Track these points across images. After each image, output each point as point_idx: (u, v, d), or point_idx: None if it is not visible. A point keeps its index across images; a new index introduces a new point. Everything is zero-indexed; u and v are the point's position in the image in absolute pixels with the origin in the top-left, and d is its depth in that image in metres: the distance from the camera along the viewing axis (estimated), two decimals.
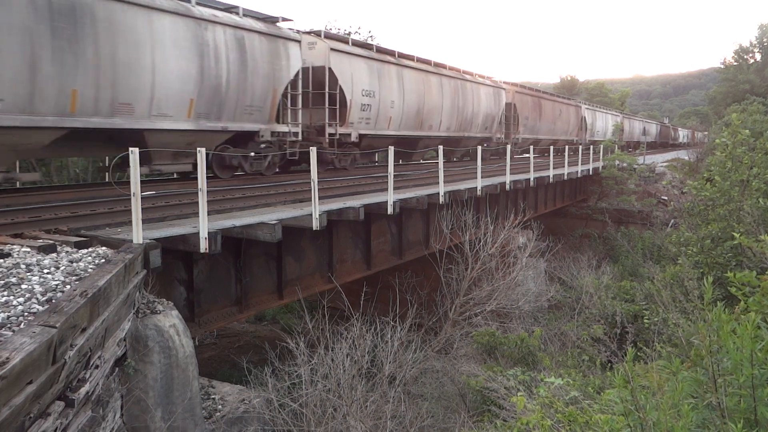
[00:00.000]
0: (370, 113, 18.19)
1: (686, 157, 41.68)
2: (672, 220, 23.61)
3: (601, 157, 29.01)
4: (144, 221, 6.98)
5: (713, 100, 66.56)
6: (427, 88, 21.52)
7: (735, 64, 61.79)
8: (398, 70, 19.85)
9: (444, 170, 13.85)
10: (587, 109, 42.47)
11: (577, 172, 25.00)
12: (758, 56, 60.35)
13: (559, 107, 36.79)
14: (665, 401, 2.68)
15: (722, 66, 65.52)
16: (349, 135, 17.44)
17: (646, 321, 9.79)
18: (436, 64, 22.91)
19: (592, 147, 28.45)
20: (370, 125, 18.33)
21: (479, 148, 17.29)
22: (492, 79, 28.60)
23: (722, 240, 9.65)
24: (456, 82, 23.88)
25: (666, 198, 27.73)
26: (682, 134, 79.67)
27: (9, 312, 4.43)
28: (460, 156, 27.70)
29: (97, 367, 4.96)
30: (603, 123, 45.90)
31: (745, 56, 61.24)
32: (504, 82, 30.03)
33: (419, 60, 21.87)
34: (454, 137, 24.45)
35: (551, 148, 25.53)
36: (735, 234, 6.99)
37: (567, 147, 24.65)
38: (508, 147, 19.37)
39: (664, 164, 36.84)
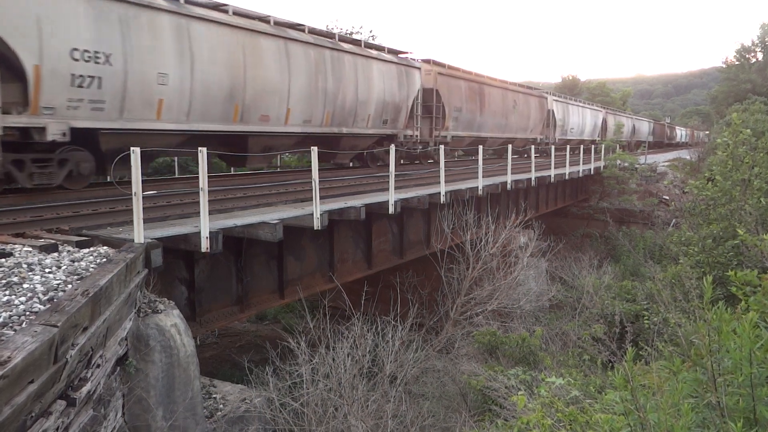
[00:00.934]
0: (102, 91, 10.58)
1: (688, 157, 41.53)
2: (673, 220, 23.60)
3: (602, 157, 29.00)
4: (145, 221, 7.00)
5: (715, 99, 66.41)
6: (252, 56, 13.45)
7: (737, 63, 61.68)
8: (179, 24, 11.95)
9: (445, 170, 13.85)
10: (556, 101, 34.62)
11: (578, 171, 24.99)
12: (760, 55, 60.25)
13: (514, 97, 28.69)
14: (665, 401, 2.68)
15: (724, 65, 65.39)
16: (43, 129, 9.75)
17: (645, 321, 9.79)
18: (279, 23, 14.88)
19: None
20: (104, 112, 10.73)
21: (481, 148, 17.23)
22: (396, 52, 20.09)
23: (723, 239, 9.64)
24: (321, 53, 15.67)
25: (667, 198, 27.73)
26: (680, 133, 75.32)
27: (11, 311, 4.44)
28: (347, 161, 19.58)
29: (98, 366, 4.98)
30: (579, 119, 38.42)
31: (747, 55, 61.14)
32: (421, 60, 22.30)
33: (238, 13, 13.67)
34: (322, 135, 16.24)
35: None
36: (738, 231, 6.99)
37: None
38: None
39: (666, 164, 36.78)
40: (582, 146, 28.52)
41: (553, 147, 23.26)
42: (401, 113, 19.86)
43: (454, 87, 23.30)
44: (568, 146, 25.47)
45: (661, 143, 63.73)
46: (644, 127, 57.60)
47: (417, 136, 21.02)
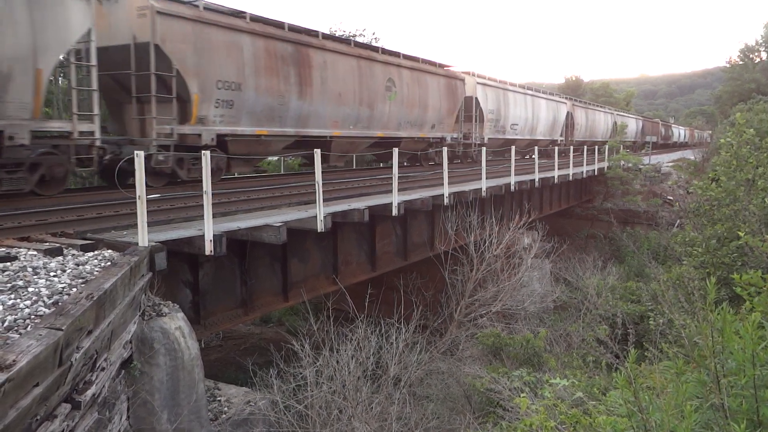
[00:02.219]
0: None
1: (692, 157, 41.37)
2: (678, 221, 23.54)
3: (606, 158, 28.96)
4: (149, 224, 7.02)
5: (719, 99, 66.28)
6: None
7: (741, 63, 61.62)
8: None
9: (449, 171, 13.85)
10: (482, 85, 25.11)
11: (582, 172, 24.96)
12: (764, 55, 60.24)
13: (389, 74, 18.72)
14: (668, 402, 2.68)
15: (728, 65, 65.34)
16: None
17: (650, 323, 9.76)
18: None
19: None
20: None
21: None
22: None
23: (728, 240, 9.60)
24: None
25: (671, 198, 27.67)
26: (678, 133, 69.57)
27: (16, 315, 4.46)
28: None
29: (103, 369, 4.99)
30: (527, 112, 29.45)
31: (751, 55, 61.08)
32: None
33: None
34: None
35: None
36: (740, 233, 6.96)
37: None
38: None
39: (670, 164, 36.68)
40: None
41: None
42: (11, 87, 9.34)
43: (214, 45, 12.76)
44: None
45: (654, 144, 52.38)
46: (631, 124, 49.41)
47: (88, 133, 10.59)
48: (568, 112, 35.50)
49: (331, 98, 16.41)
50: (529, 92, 30.70)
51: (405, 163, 21.71)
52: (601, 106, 46.29)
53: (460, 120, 23.61)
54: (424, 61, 21.49)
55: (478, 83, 24.80)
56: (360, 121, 17.78)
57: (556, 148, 24.32)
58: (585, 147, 26.74)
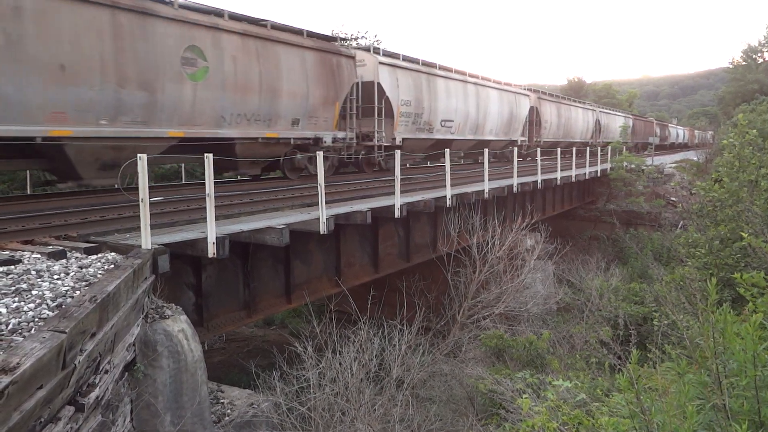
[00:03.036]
0: None
1: (695, 158, 41.24)
2: (681, 222, 23.51)
3: (609, 159, 28.91)
4: (152, 226, 7.04)
5: (722, 100, 66.23)
6: None
7: (744, 63, 61.59)
8: None
9: (451, 173, 13.85)
10: (391, 66, 18.34)
11: (585, 173, 24.93)
12: (767, 56, 60.13)
13: (206, 39, 11.79)
14: (670, 403, 2.68)
15: (731, 66, 65.31)
16: None
17: (655, 323, 9.75)
18: None
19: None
20: None
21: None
22: None
23: (731, 241, 9.59)
24: None
25: (675, 199, 27.62)
26: (676, 133, 65.54)
27: (20, 318, 4.48)
28: None
29: (106, 371, 5.01)
30: (470, 105, 22.79)
31: (754, 56, 61.04)
32: None
33: None
34: None
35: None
36: (743, 234, 6.96)
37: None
38: None
39: (672, 165, 36.62)
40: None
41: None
42: None
43: None
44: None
45: (646, 145, 48.37)
46: (618, 123, 43.85)
47: None
48: (531, 107, 29.10)
49: (41, 72, 9.34)
50: (471, 80, 23.33)
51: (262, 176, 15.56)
52: (579, 102, 39.49)
53: (350, 114, 16.79)
54: (276, 27, 14.15)
55: (381, 63, 17.76)
56: (126, 112, 10.69)
57: (558, 150, 24.06)
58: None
